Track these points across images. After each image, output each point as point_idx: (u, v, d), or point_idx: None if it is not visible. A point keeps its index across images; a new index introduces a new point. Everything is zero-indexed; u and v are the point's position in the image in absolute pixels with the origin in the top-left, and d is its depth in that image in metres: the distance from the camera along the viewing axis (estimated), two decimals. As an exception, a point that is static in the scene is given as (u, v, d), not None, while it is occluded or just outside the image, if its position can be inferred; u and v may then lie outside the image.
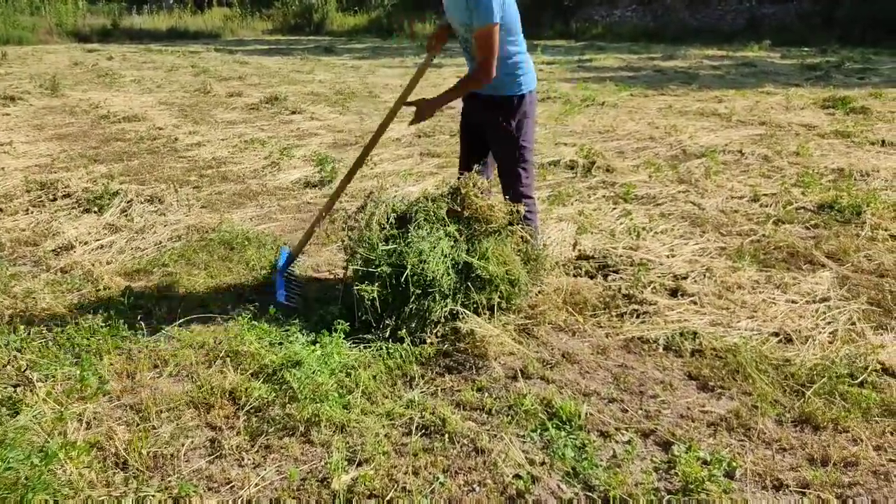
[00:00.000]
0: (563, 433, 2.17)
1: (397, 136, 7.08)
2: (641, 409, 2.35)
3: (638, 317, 3.00)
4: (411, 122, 3.17)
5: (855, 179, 5.10)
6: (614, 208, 4.48)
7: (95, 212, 4.42)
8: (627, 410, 2.33)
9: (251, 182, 5.35)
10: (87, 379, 2.41)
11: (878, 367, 2.56)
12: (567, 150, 6.07)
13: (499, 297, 2.87)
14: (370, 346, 2.67)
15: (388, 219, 2.91)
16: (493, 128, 3.17)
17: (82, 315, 2.95)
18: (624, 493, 1.89)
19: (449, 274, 2.75)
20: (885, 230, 3.99)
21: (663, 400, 2.39)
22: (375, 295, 2.74)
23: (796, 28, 19.39)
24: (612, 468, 2.02)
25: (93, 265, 3.59)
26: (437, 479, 1.98)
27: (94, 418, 2.29)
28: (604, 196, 4.78)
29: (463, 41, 3.10)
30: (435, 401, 2.38)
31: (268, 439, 2.17)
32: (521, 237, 3.05)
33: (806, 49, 16.49)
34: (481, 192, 2.98)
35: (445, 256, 2.77)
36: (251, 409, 2.32)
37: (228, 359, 2.60)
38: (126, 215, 4.38)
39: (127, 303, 3.07)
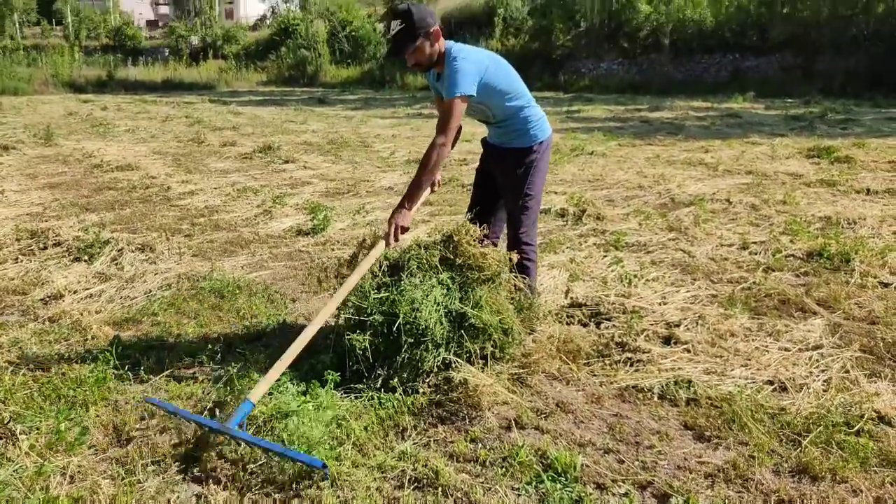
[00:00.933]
0: (558, 485, 2.13)
1: (389, 184, 7.14)
2: (638, 459, 2.31)
3: (632, 365, 2.98)
4: (390, 244, 2.91)
5: (842, 227, 5.16)
6: (605, 256, 4.50)
7: (86, 260, 4.39)
8: (624, 461, 2.29)
9: (243, 230, 5.35)
10: (66, 431, 2.35)
11: (874, 415, 2.54)
12: (558, 198, 6.13)
13: (492, 346, 2.85)
14: (361, 396, 2.63)
15: (380, 266, 2.91)
16: (502, 174, 3.27)
17: (69, 365, 2.90)
18: (622, 548, 1.84)
19: (442, 323, 2.73)
20: (875, 277, 4.02)
21: (660, 450, 2.36)
22: (367, 344, 2.71)
23: (779, 80, 19.93)
24: (610, 522, 1.97)
25: (81, 314, 3.55)
26: (431, 534, 1.93)
27: (79, 472, 2.23)
28: (595, 244, 4.81)
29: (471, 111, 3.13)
30: (427, 452, 2.33)
31: (256, 494, 2.11)
32: (514, 285, 3.05)
33: (789, 100, 16.91)
34: (474, 240, 2.99)
35: (438, 305, 2.76)
36: (239, 462, 2.26)
37: (217, 410, 2.55)
38: (116, 264, 4.36)
39: (115, 353, 3.03)
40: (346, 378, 2.71)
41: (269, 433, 2.38)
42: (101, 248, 4.51)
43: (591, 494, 2.11)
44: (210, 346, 3.16)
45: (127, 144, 10.27)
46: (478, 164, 3.48)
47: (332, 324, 3.27)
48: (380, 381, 2.68)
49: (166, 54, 37.01)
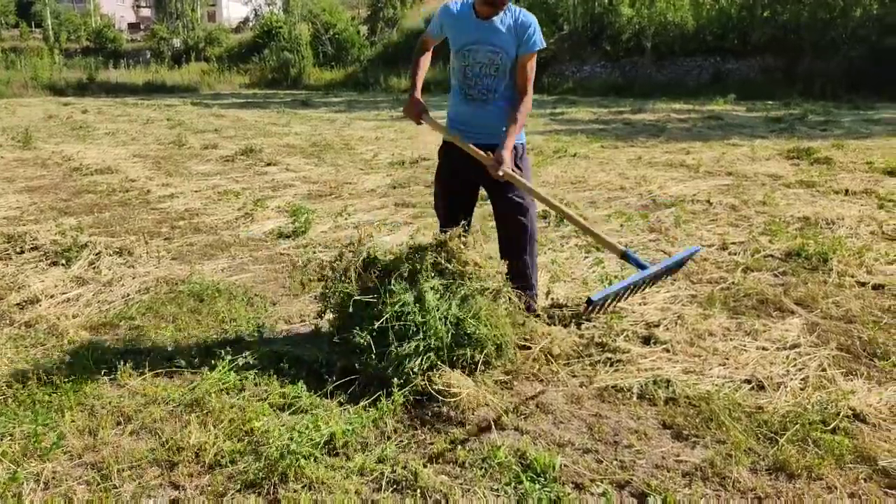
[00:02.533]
0: (537, 486, 2.13)
1: (372, 187, 7.12)
2: (616, 459, 2.32)
3: (611, 365, 3.00)
4: (499, 174, 3.09)
5: (821, 227, 5.21)
6: (587, 257, 4.52)
7: (63, 264, 4.34)
8: (602, 461, 2.30)
9: (224, 233, 5.32)
10: (40, 436, 2.32)
11: (850, 413, 2.56)
12: (540, 200, 6.14)
13: (484, 357, 2.83)
14: (343, 399, 2.62)
15: (366, 269, 2.90)
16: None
17: (45, 370, 2.86)
18: (599, 548, 1.85)
19: (437, 327, 2.72)
20: (852, 277, 4.07)
21: (638, 450, 2.37)
22: (351, 346, 2.71)
23: (760, 82, 20.12)
24: (588, 521, 1.98)
25: (58, 319, 3.51)
26: (409, 536, 1.92)
27: (53, 478, 2.20)
28: (576, 245, 4.83)
29: (476, 65, 3.14)
30: (407, 455, 2.33)
31: (233, 498, 2.10)
32: (510, 298, 3.03)
33: (770, 102, 17.08)
34: (466, 247, 2.99)
35: (428, 310, 2.75)
36: (217, 466, 2.24)
37: (194, 415, 2.53)
38: (94, 268, 4.31)
39: (91, 357, 3.00)
40: (329, 381, 2.69)
41: (248, 437, 2.36)
42: (79, 252, 4.46)
43: (569, 494, 2.11)
44: (188, 350, 3.13)
45: (107, 147, 10.17)
46: (442, 175, 3.42)
47: (315, 327, 3.26)
48: (362, 384, 2.67)
49: (148, 57, 36.75)
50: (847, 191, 6.50)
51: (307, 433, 2.32)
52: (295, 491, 2.11)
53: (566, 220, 3.27)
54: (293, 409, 2.55)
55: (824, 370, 2.92)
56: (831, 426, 2.47)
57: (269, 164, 8.57)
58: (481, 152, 3.13)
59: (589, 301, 3.03)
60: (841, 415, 2.53)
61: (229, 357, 2.88)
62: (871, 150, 8.99)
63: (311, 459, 2.23)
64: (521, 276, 3.32)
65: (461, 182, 3.36)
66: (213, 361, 2.91)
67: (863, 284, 3.97)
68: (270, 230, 5.36)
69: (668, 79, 22.48)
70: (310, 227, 5.29)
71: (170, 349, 3.14)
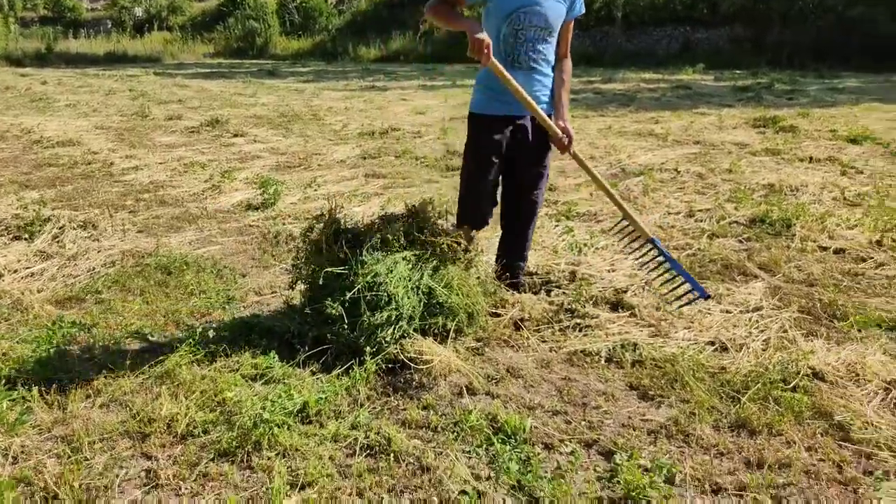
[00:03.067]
0: (508, 447, 2.18)
1: (342, 157, 7.06)
2: (585, 420, 2.37)
3: (580, 330, 3.05)
4: (571, 150, 3.06)
5: (784, 194, 5.32)
6: (556, 225, 4.56)
7: (26, 239, 4.25)
8: (571, 422, 2.35)
9: (190, 206, 5.24)
10: (7, 411, 2.30)
11: (809, 372, 2.65)
12: (510, 169, 6.15)
13: (455, 325, 2.86)
14: (315, 368, 2.63)
15: (337, 240, 2.89)
16: (545, 151, 3.15)
17: (10, 346, 2.82)
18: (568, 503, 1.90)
19: (409, 297, 2.73)
20: (814, 241, 4.17)
21: (605, 410, 2.43)
22: (323, 317, 2.71)
23: (728, 52, 20.25)
24: (557, 479, 2.03)
25: (22, 294, 3.44)
26: (382, 498, 1.96)
27: (22, 452, 2.18)
28: (546, 214, 4.86)
29: (530, 28, 2.94)
30: (380, 421, 2.35)
31: (206, 467, 2.11)
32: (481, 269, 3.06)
33: (738, 72, 17.22)
34: (439, 217, 2.99)
35: (402, 279, 2.76)
36: (189, 436, 2.25)
37: (165, 387, 2.52)
38: (58, 242, 4.22)
39: (58, 331, 2.95)
40: (301, 350, 2.70)
41: (220, 407, 2.37)
42: (42, 226, 4.36)
43: (539, 454, 2.16)
44: (157, 323, 3.11)
45: (68, 119, 9.90)
46: (484, 153, 3.07)
47: (286, 298, 3.25)
48: (335, 353, 2.68)
49: (109, 26, 35.60)
50: (811, 158, 6.63)
51: (280, 402, 2.33)
52: (269, 458, 2.12)
53: (609, 198, 3.17)
54: (265, 379, 2.55)
55: (786, 332, 3.01)
56: (791, 385, 2.55)
57: (235, 136, 8.43)
58: (552, 123, 2.99)
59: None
60: (800, 374, 2.61)
61: (199, 329, 2.86)
62: (835, 118, 9.15)
63: (285, 428, 2.24)
64: (521, 250, 3.36)
65: (502, 158, 3.10)
66: (182, 334, 2.89)
67: (824, 249, 4.07)
68: (239, 202, 5.29)
69: (638, 48, 22.51)
70: (279, 198, 5.24)
71: (138, 322, 3.11)
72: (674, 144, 7.58)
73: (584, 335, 3.00)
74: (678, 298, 3.10)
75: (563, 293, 3.43)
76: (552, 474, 2.07)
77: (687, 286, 3.04)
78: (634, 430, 2.30)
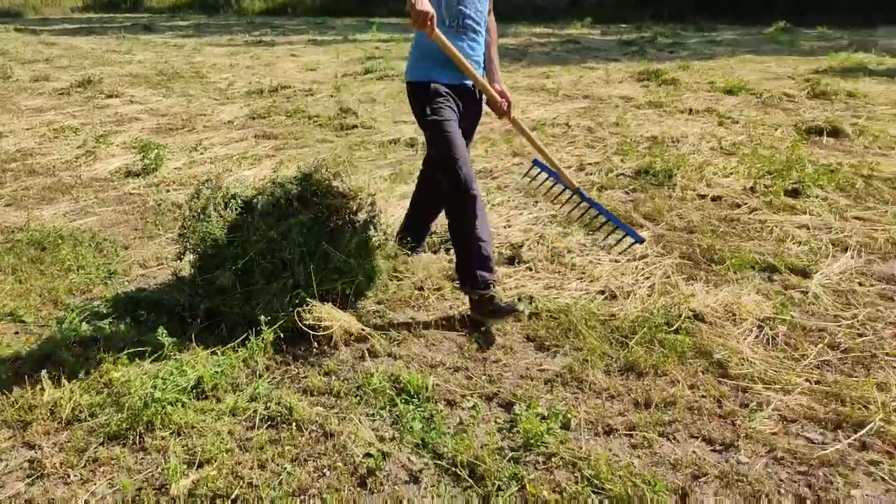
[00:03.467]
0: (411, 407, 2.20)
1: (228, 118, 6.75)
2: (485, 374, 2.43)
3: (479, 287, 3.09)
4: (512, 116, 2.97)
5: (666, 146, 5.57)
6: (453, 183, 4.57)
7: None
8: (472, 377, 2.41)
9: (63, 174, 4.86)
10: None
11: (690, 314, 2.83)
12: (406, 127, 6.10)
13: (355, 290, 2.82)
14: (209, 342, 2.54)
15: (227, 206, 2.76)
16: (473, 119, 3.07)
17: None
18: (471, 457, 1.95)
19: (305, 263, 2.67)
20: (693, 190, 4.41)
21: (504, 363, 2.50)
22: (215, 288, 2.61)
23: (613, 6, 20.78)
24: (459, 434, 2.07)
25: None
26: (285, 469, 1.93)
27: None
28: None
29: (462, 15, 2.80)
30: (281, 390, 2.31)
31: (96, 452, 2.00)
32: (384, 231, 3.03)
33: (623, 26, 17.73)
34: (334, 178, 2.91)
35: (297, 245, 2.68)
36: (75, 421, 2.12)
37: (45, 371, 2.35)
38: None
39: (-85, 319, 2.69)
40: (193, 324, 2.59)
41: (108, 388, 2.25)
42: None
43: (441, 411, 2.20)
44: (32, 303, 2.89)
45: (-88, 81, 8.88)
46: (445, 113, 2.80)
47: (174, 269, 3.10)
48: (230, 324, 2.60)
49: (-46, -25, 31.88)
50: (691, 110, 6.95)
51: (172, 379, 2.24)
52: (163, 438, 2.04)
53: (545, 159, 3.19)
54: (155, 356, 2.44)
55: (668, 277, 3.19)
56: (674, 327, 2.71)
57: (110, 97, 7.85)
58: (491, 89, 2.89)
59: (534, 161, 3.19)
60: (682, 316, 2.78)
61: (80, 307, 2.68)
62: (713, 70, 9.62)
63: (178, 405, 2.16)
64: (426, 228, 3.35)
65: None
66: (61, 313, 2.71)
67: (703, 197, 4.32)
68: (117, 169, 4.96)
69: (527, 2, 22.65)
70: (161, 163, 4.95)
71: (11, 303, 2.88)
72: (564, 99, 7.74)
73: (483, 291, 3.05)
74: (618, 243, 3.29)
75: (461, 250, 3.46)
76: (455, 430, 2.11)
77: (621, 232, 3.19)
78: (532, 381, 2.38)
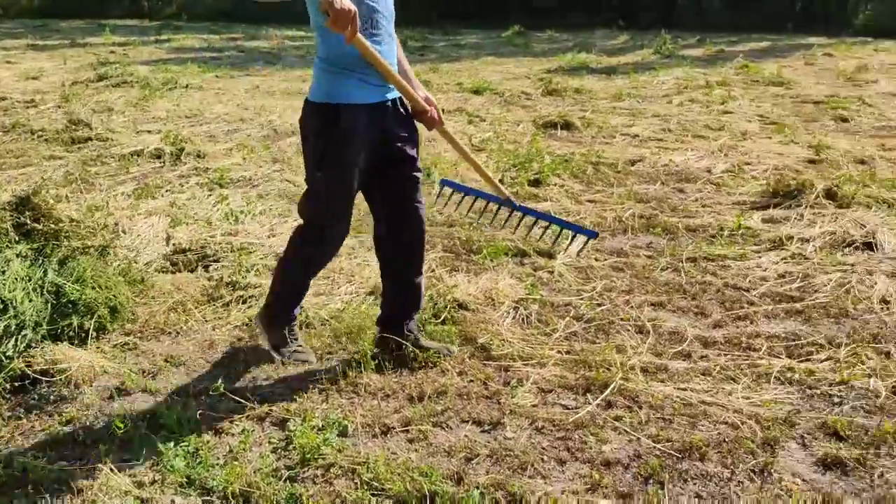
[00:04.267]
0: (171, 444, 2.01)
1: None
2: (256, 394, 2.31)
3: (244, 302, 2.95)
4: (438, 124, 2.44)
5: (425, 145, 5.78)
6: (209, 195, 4.31)
7: None
8: (241, 401, 2.27)
9: None
10: None
11: (454, 303, 2.95)
12: (151, 137, 5.63)
13: (95, 323, 2.51)
14: None
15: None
16: (411, 138, 2.42)
17: None
18: (243, 485, 1.83)
19: (30, 300, 2.31)
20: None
21: (276, 379, 2.40)
22: None
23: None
24: (230, 463, 1.94)
25: None
26: (21, 543, 1.66)
27: None
28: (197, 183, 4.56)
29: (373, 12, 2.23)
30: (10, 451, 1.98)
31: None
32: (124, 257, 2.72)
33: (374, 30, 18.10)
34: (57, 201, 2.56)
35: (20, 280, 2.31)
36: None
37: None
38: None
39: None
40: None
41: None
42: None
43: (208, 442, 2.04)
44: None
45: None
46: (354, 153, 2.29)
47: None
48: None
49: None
50: (444, 110, 7.28)
51: None
52: None
53: (476, 170, 2.70)
54: None
55: (433, 271, 3.30)
56: (441, 318, 2.81)
57: None
58: (418, 98, 2.35)
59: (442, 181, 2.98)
60: (447, 307, 2.89)
61: None
62: (461, 71, 10.23)
63: None
64: (419, 296, 2.56)
65: (365, 159, 2.33)
66: None
67: (459, 191, 4.54)
68: None
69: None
70: None
71: None
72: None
73: (249, 306, 2.91)
74: (570, 245, 3.19)
75: (223, 266, 3.27)
76: (224, 459, 1.97)
77: (570, 232, 2.90)
78: (306, 393, 2.31)
